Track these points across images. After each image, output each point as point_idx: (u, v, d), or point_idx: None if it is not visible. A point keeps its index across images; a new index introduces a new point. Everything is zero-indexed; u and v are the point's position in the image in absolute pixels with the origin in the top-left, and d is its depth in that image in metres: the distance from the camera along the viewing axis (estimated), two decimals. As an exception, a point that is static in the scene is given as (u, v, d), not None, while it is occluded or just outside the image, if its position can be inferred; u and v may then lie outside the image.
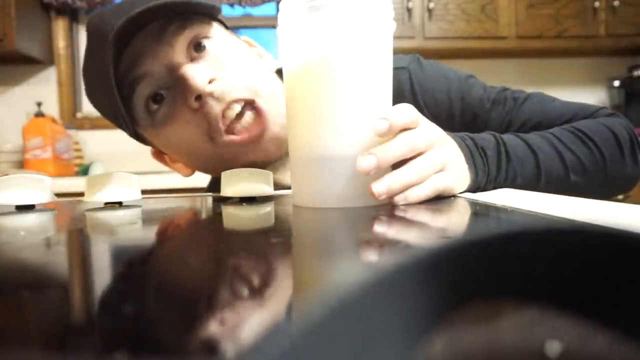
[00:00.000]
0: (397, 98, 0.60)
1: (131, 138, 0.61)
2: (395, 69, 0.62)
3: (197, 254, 0.23)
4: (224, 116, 0.52)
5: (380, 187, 0.36)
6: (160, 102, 0.54)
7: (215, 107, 0.51)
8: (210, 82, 0.51)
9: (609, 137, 0.55)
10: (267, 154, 0.56)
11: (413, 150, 0.38)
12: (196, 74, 0.50)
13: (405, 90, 0.63)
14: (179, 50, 0.52)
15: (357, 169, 0.36)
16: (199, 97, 0.51)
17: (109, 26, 0.49)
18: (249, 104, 0.53)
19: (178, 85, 0.52)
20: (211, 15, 0.56)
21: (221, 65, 0.53)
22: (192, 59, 0.53)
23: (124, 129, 0.58)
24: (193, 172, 0.64)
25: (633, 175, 0.57)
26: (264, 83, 0.55)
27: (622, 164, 0.55)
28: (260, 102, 0.53)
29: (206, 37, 0.54)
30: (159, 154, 0.64)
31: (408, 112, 0.38)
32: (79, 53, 2.12)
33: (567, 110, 0.60)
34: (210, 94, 0.51)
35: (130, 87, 0.53)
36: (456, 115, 0.62)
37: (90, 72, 0.56)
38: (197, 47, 0.54)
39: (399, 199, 0.37)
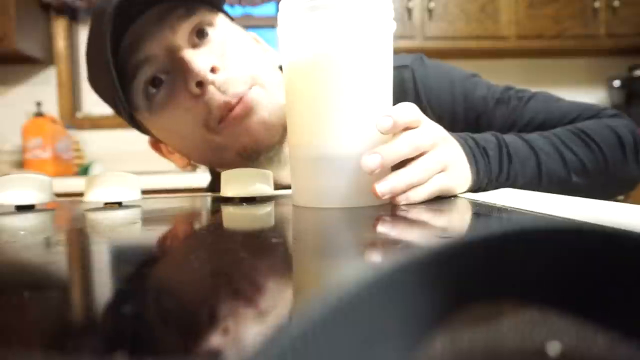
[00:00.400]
0: (400, 96, 0.60)
1: (129, 125, 0.60)
2: (398, 67, 0.62)
3: (197, 254, 0.23)
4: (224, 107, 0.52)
5: (384, 187, 0.36)
6: (159, 87, 0.53)
7: (219, 97, 0.51)
8: (212, 70, 0.50)
9: (612, 138, 0.55)
10: (254, 137, 0.54)
11: (417, 150, 0.38)
12: (197, 58, 0.50)
13: (408, 88, 0.62)
14: (181, 34, 0.52)
15: (362, 167, 0.36)
16: (200, 84, 0.50)
17: (111, 8, 0.49)
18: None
19: (178, 69, 0.51)
20: (213, 3, 0.56)
21: (223, 54, 0.53)
22: (193, 45, 0.53)
23: (121, 114, 0.57)
24: (189, 164, 0.64)
25: (635, 177, 0.57)
26: (265, 72, 0.55)
27: (624, 165, 0.55)
28: (254, 90, 0.53)
29: (210, 24, 0.54)
30: (156, 144, 0.64)
31: (411, 110, 0.38)
32: (79, 53, 2.12)
33: (572, 110, 0.60)
34: (213, 83, 0.50)
35: (132, 72, 0.52)
36: (459, 114, 0.62)
37: (91, 53, 0.56)
38: (199, 34, 0.53)
39: (400, 199, 0.37)
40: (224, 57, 0.52)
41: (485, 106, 0.61)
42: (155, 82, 0.53)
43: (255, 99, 0.53)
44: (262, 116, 0.53)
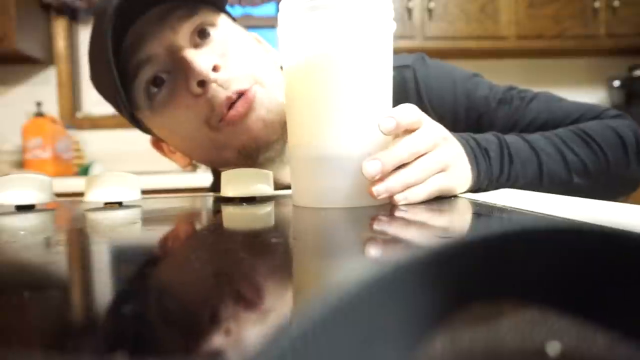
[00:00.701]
0: (402, 96, 0.60)
1: (130, 123, 0.60)
2: (399, 67, 0.62)
3: (198, 254, 0.23)
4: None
5: (381, 187, 0.36)
6: (160, 86, 0.53)
7: (222, 93, 0.51)
8: (214, 69, 0.50)
9: (614, 139, 0.54)
10: (252, 135, 0.54)
11: (417, 154, 0.38)
12: (199, 57, 0.50)
13: (409, 88, 0.62)
14: (182, 34, 0.52)
15: (364, 174, 0.36)
16: (202, 83, 0.50)
17: (111, 8, 0.49)
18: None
19: (179, 68, 0.51)
20: (215, 3, 0.56)
21: (224, 54, 0.53)
22: (195, 45, 0.53)
23: (122, 113, 0.57)
24: (190, 163, 0.64)
25: (637, 177, 0.57)
26: (266, 72, 0.55)
27: (627, 166, 0.55)
28: (255, 88, 0.53)
29: (212, 24, 0.54)
30: (157, 143, 0.64)
31: (412, 112, 0.38)
32: (79, 53, 2.12)
33: (574, 110, 0.60)
34: (215, 81, 0.50)
35: (134, 72, 0.52)
36: (461, 114, 0.62)
37: (93, 53, 0.56)
38: (201, 34, 0.53)
39: (399, 199, 0.37)
40: (226, 57, 0.53)
41: (487, 106, 0.61)
42: (156, 81, 0.53)
43: (256, 96, 0.53)
44: (260, 114, 0.53)
